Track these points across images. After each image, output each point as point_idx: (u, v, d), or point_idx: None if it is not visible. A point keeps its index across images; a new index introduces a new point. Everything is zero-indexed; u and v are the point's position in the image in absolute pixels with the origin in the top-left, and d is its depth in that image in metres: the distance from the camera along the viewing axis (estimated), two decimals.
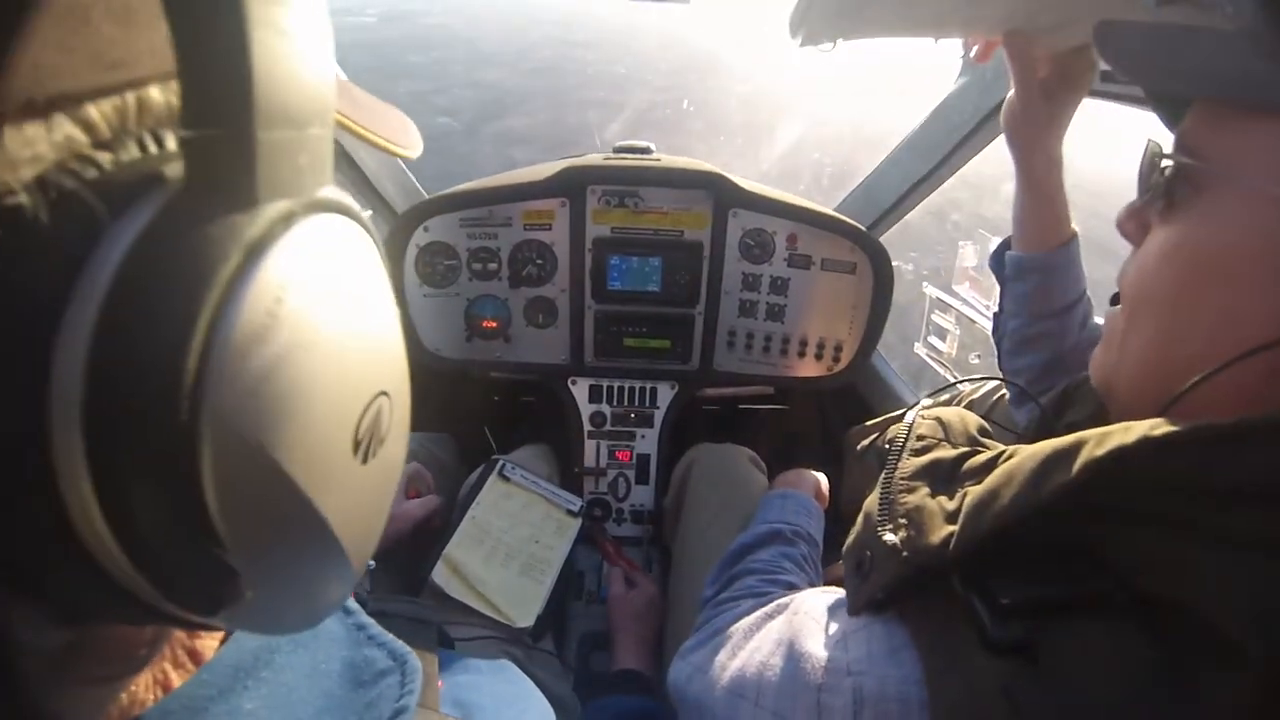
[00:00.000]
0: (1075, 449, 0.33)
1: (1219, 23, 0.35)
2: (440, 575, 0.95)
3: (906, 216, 1.26)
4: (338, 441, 0.17)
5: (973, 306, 1.27)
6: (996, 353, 0.79)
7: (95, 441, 0.14)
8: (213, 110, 0.14)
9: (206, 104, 0.14)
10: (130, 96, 0.16)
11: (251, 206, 0.15)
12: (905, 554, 0.38)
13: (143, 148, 0.16)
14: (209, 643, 0.24)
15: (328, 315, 0.17)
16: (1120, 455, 0.31)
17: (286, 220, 0.16)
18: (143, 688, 0.21)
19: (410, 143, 0.29)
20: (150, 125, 0.17)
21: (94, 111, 0.15)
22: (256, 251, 0.15)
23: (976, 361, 1.36)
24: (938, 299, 1.35)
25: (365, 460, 0.19)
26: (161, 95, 0.17)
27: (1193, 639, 0.29)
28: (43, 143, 0.14)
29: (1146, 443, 0.31)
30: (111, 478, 0.14)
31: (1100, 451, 0.31)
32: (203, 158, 0.14)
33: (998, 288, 0.79)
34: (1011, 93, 0.67)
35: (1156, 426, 0.31)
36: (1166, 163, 0.37)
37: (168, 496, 0.14)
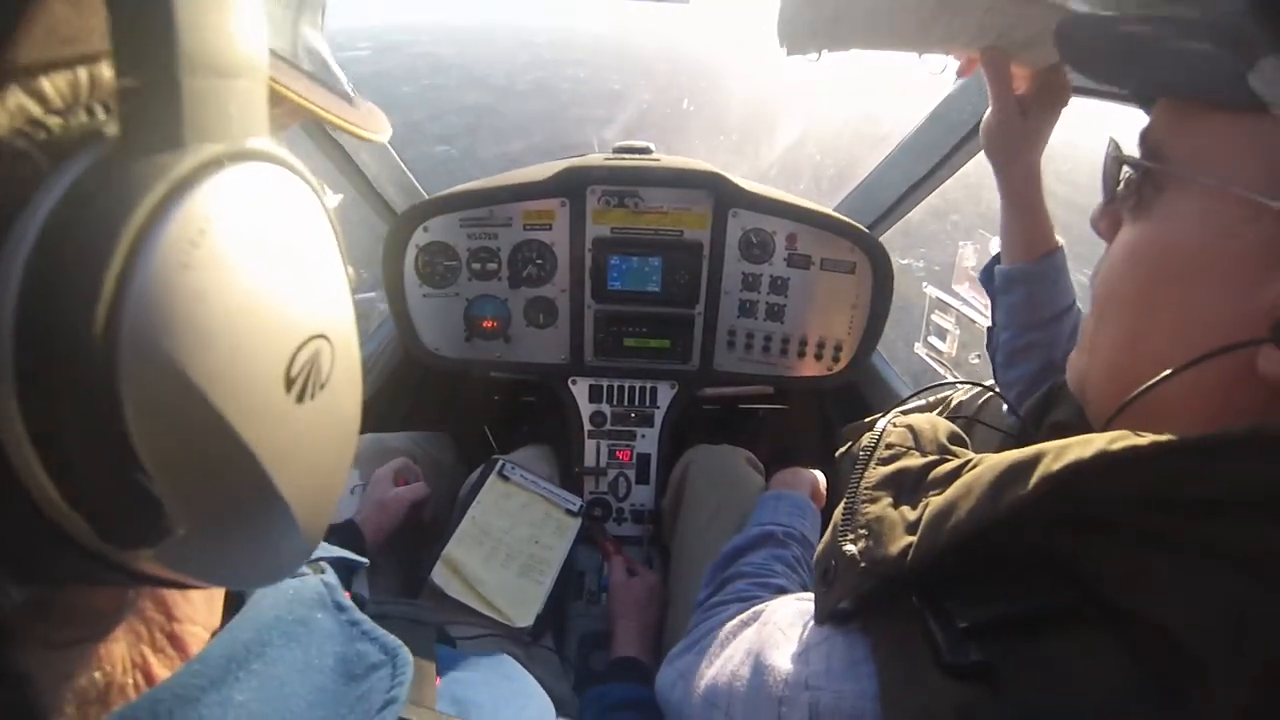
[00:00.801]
0: (1033, 462, 0.32)
1: (1183, 13, 0.34)
2: (440, 575, 0.95)
3: (908, 216, 1.26)
4: (265, 376, 0.18)
5: (973, 306, 1.27)
6: (992, 365, 0.80)
7: (25, 369, 0.14)
8: (140, 58, 0.15)
9: (134, 52, 0.15)
10: (83, 72, 0.17)
11: (178, 148, 0.16)
12: (864, 565, 0.38)
13: (91, 114, 0.17)
14: (190, 629, 0.24)
15: (254, 253, 0.17)
16: (1077, 469, 0.30)
17: (214, 162, 0.16)
18: (120, 669, 0.21)
19: (378, 127, 0.30)
20: (102, 99, 0.17)
21: (47, 84, 0.16)
22: (181, 187, 0.16)
23: (976, 361, 1.37)
24: (938, 299, 1.35)
25: (301, 399, 0.19)
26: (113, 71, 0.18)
27: (1171, 647, 0.28)
28: None
29: (1103, 457, 0.30)
30: (40, 405, 0.14)
31: (1057, 466, 0.31)
32: (134, 105, 0.15)
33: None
34: (990, 109, 0.68)
35: (1115, 440, 0.30)
36: (1133, 162, 0.37)
37: (89, 419, 0.15)
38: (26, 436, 0.15)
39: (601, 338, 1.23)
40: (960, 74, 0.73)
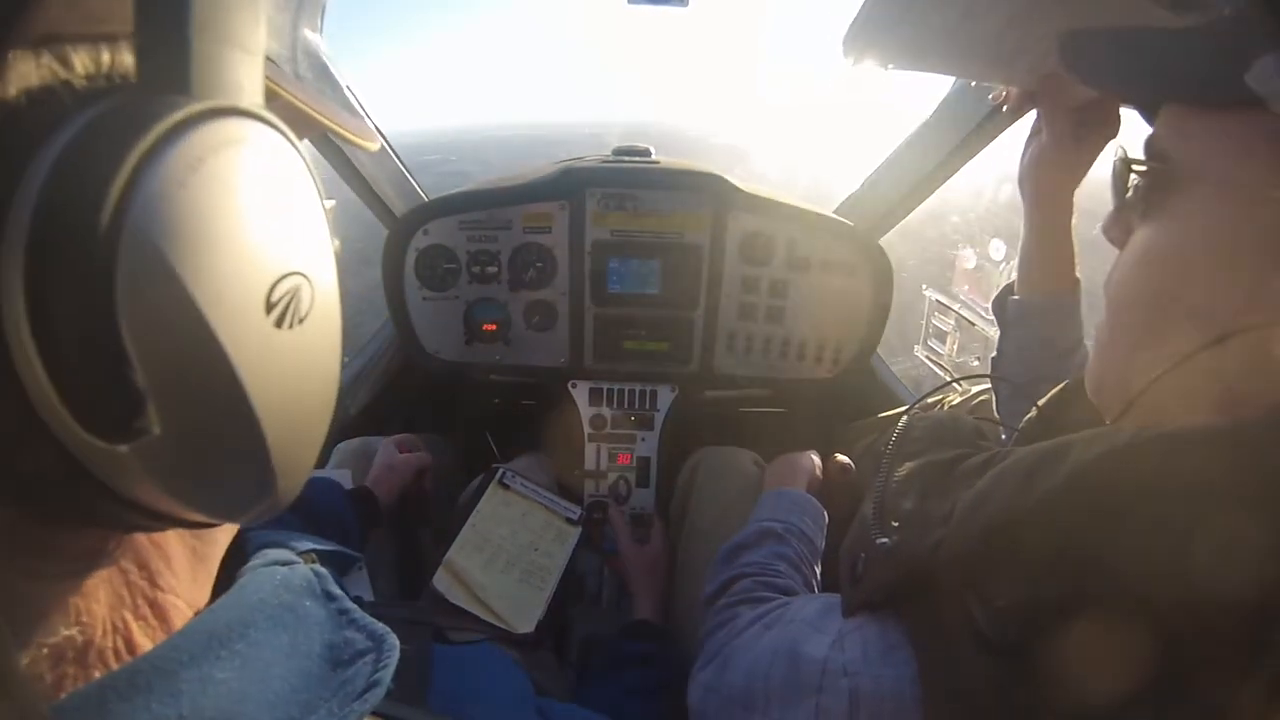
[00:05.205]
0: (1063, 452, 0.33)
1: (1180, 23, 0.35)
2: (441, 581, 0.95)
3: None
4: (246, 293, 0.20)
5: (972, 309, 1.27)
6: (995, 398, 0.80)
7: (35, 259, 0.16)
8: (157, 17, 0.18)
9: (153, 12, 0.18)
10: (105, 51, 0.20)
11: (187, 95, 0.18)
12: (897, 558, 0.39)
13: (110, 81, 0.20)
14: (173, 600, 0.24)
15: (242, 188, 0.19)
16: (1107, 458, 0.31)
17: (216, 111, 0.19)
18: (100, 631, 0.21)
19: (368, 136, 0.33)
20: (121, 74, 0.20)
21: (74, 55, 0.19)
22: (186, 123, 0.18)
23: (976, 364, 1.37)
24: (937, 301, 1.35)
25: (280, 326, 0.21)
26: (131, 54, 0.20)
27: (1193, 635, 0.29)
28: (32, 66, 0.18)
29: (1132, 447, 0.30)
30: (44, 292, 0.16)
31: (1088, 456, 0.32)
32: (149, 58, 0.18)
33: (997, 288, 0.79)
34: (1041, 141, 0.68)
35: (1143, 430, 0.31)
36: (1139, 167, 0.38)
37: (86, 308, 0.16)
38: (28, 324, 0.16)
39: (601, 341, 1.23)
40: (1011, 113, 0.73)
